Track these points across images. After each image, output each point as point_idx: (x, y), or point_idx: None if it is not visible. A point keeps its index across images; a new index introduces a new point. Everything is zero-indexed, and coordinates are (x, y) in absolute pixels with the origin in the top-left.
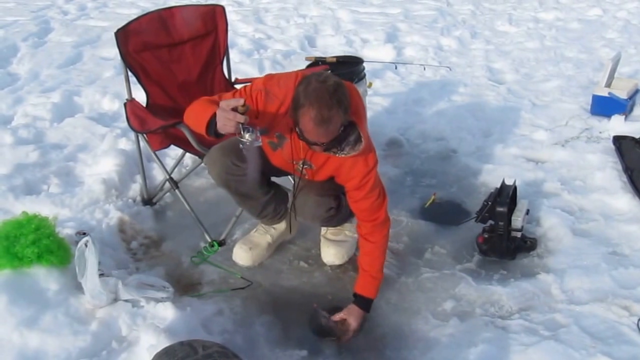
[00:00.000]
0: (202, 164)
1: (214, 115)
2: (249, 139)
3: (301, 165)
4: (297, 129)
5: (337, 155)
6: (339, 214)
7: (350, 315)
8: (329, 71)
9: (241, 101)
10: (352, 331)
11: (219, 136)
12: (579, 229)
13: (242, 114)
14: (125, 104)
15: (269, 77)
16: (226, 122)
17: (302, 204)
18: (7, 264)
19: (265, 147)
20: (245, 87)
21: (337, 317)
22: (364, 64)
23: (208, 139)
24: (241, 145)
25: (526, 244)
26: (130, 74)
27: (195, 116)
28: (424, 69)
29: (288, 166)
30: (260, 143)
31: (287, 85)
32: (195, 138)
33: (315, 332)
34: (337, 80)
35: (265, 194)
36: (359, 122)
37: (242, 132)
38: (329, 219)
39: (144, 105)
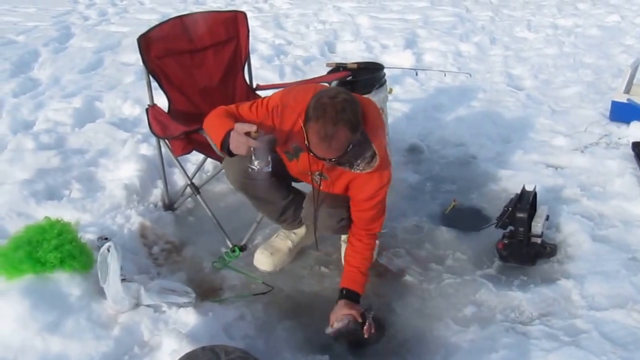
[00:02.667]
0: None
1: (229, 132)
2: (258, 166)
3: (317, 177)
4: (306, 142)
5: (351, 170)
6: (350, 224)
7: (343, 309)
8: (350, 77)
9: (254, 127)
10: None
11: (232, 155)
12: (599, 235)
13: (255, 139)
14: (147, 110)
15: (286, 91)
16: (239, 145)
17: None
18: (29, 269)
19: (282, 156)
20: (263, 99)
21: (334, 320)
22: (385, 70)
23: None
24: (250, 170)
25: (546, 250)
26: (152, 79)
27: (212, 129)
28: (445, 75)
29: (304, 177)
30: (269, 169)
31: (303, 99)
32: None
33: (338, 339)
34: (348, 98)
35: (283, 198)
36: (374, 138)
37: (252, 158)
38: (341, 229)
39: (166, 110)
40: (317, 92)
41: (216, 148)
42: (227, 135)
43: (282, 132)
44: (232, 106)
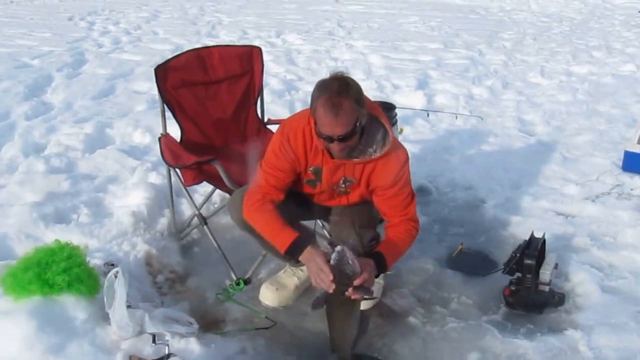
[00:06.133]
0: None
1: (294, 243)
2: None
3: (343, 186)
4: (315, 129)
5: (371, 157)
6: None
7: (366, 265)
8: None
9: (332, 286)
10: (366, 275)
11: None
12: (608, 286)
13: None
14: (159, 139)
15: (281, 126)
16: (317, 278)
17: (345, 237)
18: (37, 290)
19: (307, 189)
20: (272, 148)
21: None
22: (396, 110)
23: (240, 180)
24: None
25: (554, 299)
26: (166, 109)
27: (267, 230)
28: (456, 117)
29: (331, 195)
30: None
31: (302, 116)
32: (228, 176)
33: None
34: (349, 78)
35: None
36: (381, 116)
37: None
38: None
39: (178, 140)
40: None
41: (228, 181)
42: (293, 245)
43: (298, 161)
44: (262, 180)
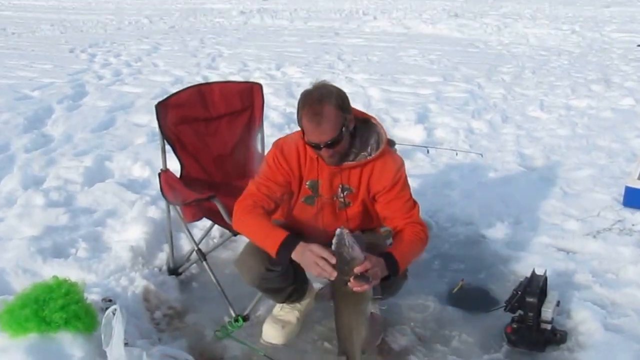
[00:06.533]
0: (232, 237)
1: (284, 242)
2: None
3: (342, 195)
4: (304, 138)
5: (366, 159)
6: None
7: (373, 257)
8: None
9: (333, 259)
10: (368, 264)
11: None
12: (611, 323)
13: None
14: (159, 174)
15: (275, 142)
16: (311, 265)
17: None
18: (34, 328)
19: (306, 212)
20: (266, 161)
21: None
22: (396, 146)
23: None
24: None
25: (556, 337)
26: (166, 144)
27: (256, 232)
28: (456, 154)
29: (332, 211)
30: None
31: (297, 133)
32: (228, 213)
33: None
34: (333, 87)
35: (291, 284)
36: (375, 122)
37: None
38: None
39: (177, 175)
40: None
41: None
42: (284, 244)
43: (292, 173)
44: (254, 188)
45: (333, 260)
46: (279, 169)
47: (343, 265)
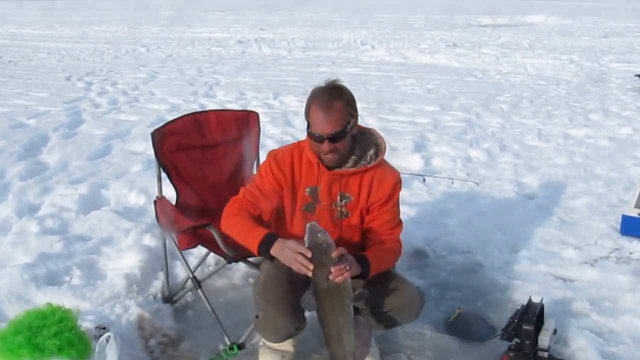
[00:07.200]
0: (228, 265)
1: (264, 239)
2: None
3: (340, 204)
4: (308, 132)
5: (365, 166)
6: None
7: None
8: None
9: (309, 253)
10: (343, 248)
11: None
12: (608, 351)
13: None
14: (155, 202)
15: (270, 152)
16: (290, 261)
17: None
18: (27, 355)
19: (307, 216)
20: (259, 171)
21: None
22: None
23: (236, 244)
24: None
25: None
26: (162, 171)
27: (239, 232)
28: (452, 182)
29: (331, 219)
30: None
31: (293, 143)
32: (224, 241)
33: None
34: (340, 84)
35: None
36: (374, 132)
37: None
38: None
39: (173, 202)
40: None
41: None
42: (264, 241)
43: (284, 179)
44: (240, 195)
45: (309, 254)
46: (269, 177)
47: (320, 255)
